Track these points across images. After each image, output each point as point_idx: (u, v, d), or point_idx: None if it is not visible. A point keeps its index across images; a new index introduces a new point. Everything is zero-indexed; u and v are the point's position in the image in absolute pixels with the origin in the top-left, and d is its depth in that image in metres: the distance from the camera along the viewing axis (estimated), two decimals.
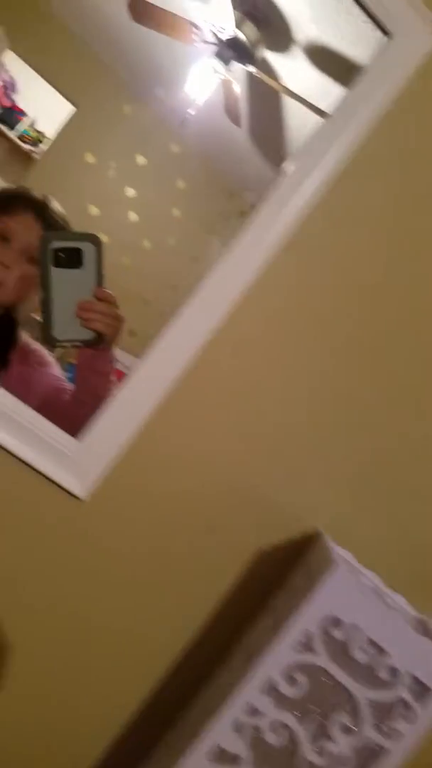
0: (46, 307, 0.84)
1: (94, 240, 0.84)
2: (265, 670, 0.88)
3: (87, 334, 0.88)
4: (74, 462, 0.89)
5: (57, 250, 0.83)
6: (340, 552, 0.95)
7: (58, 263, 0.83)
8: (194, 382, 0.94)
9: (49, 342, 0.87)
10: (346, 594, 0.87)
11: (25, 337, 1.16)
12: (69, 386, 1.09)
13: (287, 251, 0.94)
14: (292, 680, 0.89)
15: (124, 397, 0.92)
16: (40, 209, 1.10)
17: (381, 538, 1.04)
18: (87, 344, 0.89)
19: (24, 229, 1.07)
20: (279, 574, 1.01)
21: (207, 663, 1.00)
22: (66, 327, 0.86)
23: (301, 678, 0.89)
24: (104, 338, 0.89)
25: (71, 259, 0.84)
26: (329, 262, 0.98)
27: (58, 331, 0.86)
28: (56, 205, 1.12)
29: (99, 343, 0.89)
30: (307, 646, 0.88)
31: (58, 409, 1.03)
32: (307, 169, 0.95)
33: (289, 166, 0.97)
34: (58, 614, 0.95)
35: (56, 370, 1.16)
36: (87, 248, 0.84)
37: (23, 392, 1.07)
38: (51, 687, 0.97)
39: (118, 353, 1.01)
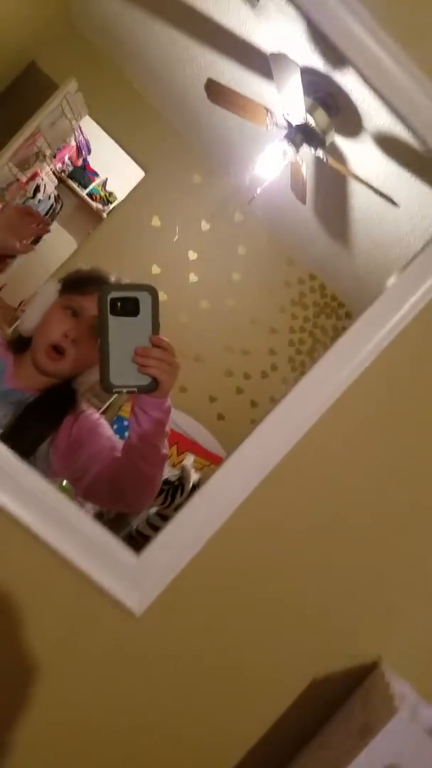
0: (103, 353, 0.87)
1: (150, 290, 0.87)
2: None
3: (143, 380, 0.89)
4: (132, 577, 0.89)
5: (114, 300, 0.86)
6: (399, 689, 0.93)
7: (116, 311, 0.86)
8: (259, 502, 0.93)
9: (107, 388, 0.88)
10: (407, 742, 0.85)
11: (85, 405, 1.20)
12: (121, 444, 1.11)
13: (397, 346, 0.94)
14: None
15: (188, 514, 0.92)
16: None
17: None
18: (143, 390, 0.91)
19: (95, 307, 1.09)
20: (335, 700, 0.98)
21: None
22: (123, 373, 0.88)
23: None
24: (160, 385, 0.90)
25: (128, 307, 0.86)
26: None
27: (115, 377, 0.88)
28: None
29: (155, 390, 0.91)
30: None
31: (111, 463, 1.06)
32: (409, 287, 0.94)
33: (390, 281, 0.96)
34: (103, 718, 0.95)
35: (109, 431, 1.19)
36: (143, 297, 0.86)
37: (73, 453, 1.12)
38: None
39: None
